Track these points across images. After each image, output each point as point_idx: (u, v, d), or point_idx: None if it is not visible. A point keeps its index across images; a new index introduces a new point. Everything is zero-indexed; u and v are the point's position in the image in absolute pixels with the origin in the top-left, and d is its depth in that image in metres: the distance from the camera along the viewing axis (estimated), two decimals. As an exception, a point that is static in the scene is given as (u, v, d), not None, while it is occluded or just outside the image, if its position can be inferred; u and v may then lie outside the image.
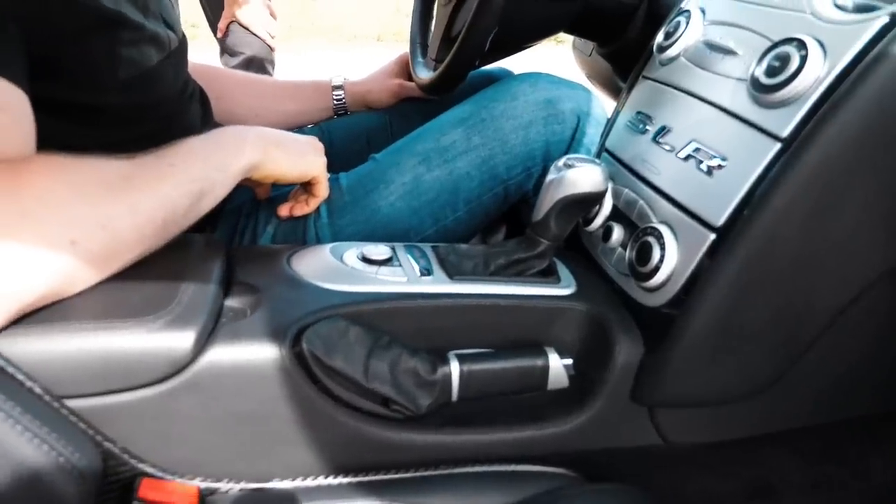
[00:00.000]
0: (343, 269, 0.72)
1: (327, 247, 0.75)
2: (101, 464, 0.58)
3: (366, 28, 6.03)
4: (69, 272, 0.57)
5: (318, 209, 0.89)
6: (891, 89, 0.57)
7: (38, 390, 0.55)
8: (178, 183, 0.63)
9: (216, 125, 0.97)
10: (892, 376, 0.75)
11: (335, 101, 1.24)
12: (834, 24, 0.62)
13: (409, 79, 1.22)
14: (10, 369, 0.54)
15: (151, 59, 0.80)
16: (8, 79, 0.59)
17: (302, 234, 0.89)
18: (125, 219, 0.59)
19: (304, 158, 0.80)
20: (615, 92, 1.27)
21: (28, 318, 0.56)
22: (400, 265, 0.73)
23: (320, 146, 0.85)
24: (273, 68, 2.03)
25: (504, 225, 1.11)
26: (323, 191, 0.85)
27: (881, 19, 0.58)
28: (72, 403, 0.57)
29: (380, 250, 0.74)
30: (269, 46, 1.97)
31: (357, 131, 1.22)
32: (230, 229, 0.94)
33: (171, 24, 0.89)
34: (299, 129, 1.23)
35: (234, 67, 1.91)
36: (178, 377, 0.60)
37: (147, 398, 0.59)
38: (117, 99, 0.76)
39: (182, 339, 0.59)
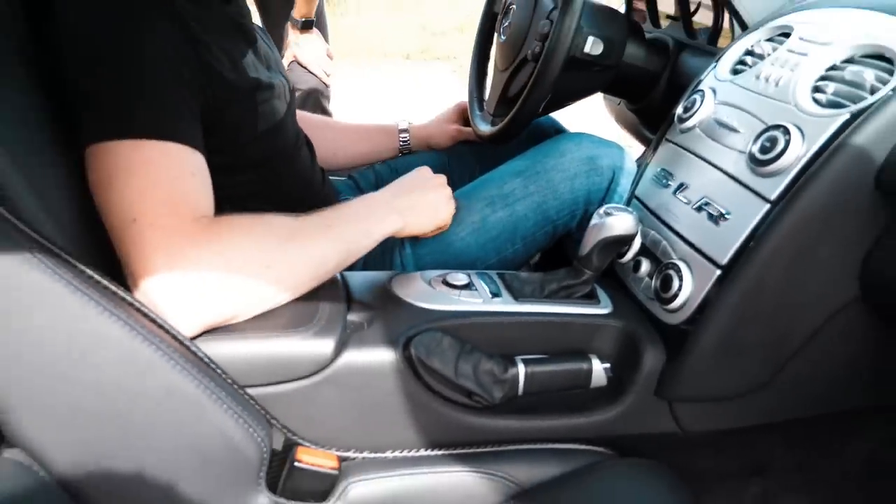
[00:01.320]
0: (433, 292, 0.93)
1: (418, 274, 0.97)
2: (271, 435, 0.80)
3: (394, 47, 6.26)
4: (247, 301, 0.78)
5: (402, 241, 1.10)
6: (848, 168, 0.78)
7: (229, 381, 0.77)
8: (333, 242, 0.83)
9: (321, 168, 1.18)
10: (861, 380, 0.96)
11: (401, 143, 1.45)
12: (810, 115, 0.83)
13: (465, 124, 1.44)
14: (212, 364, 0.76)
15: (280, 112, 1.00)
16: (195, 147, 0.80)
17: (389, 261, 1.10)
18: (287, 265, 0.79)
19: (437, 215, 1.00)
20: (638, 136, 1.48)
21: (220, 328, 0.78)
22: (476, 289, 0.95)
23: (448, 191, 1.03)
24: (328, 102, 2.25)
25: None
26: (447, 227, 1.04)
27: (844, 116, 0.79)
28: (251, 391, 0.79)
29: (459, 277, 0.96)
30: (324, 83, 2.19)
31: (420, 170, 1.43)
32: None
33: (283, 73, 1.10)
34: (370, 166, 1.45)
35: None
36: (322, 374, 0.81)
37: (300, 388, 0.81)
38: (253, 151, 0.96)
39: (324, 346, 0.80)
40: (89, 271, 0.68)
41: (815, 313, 0.87)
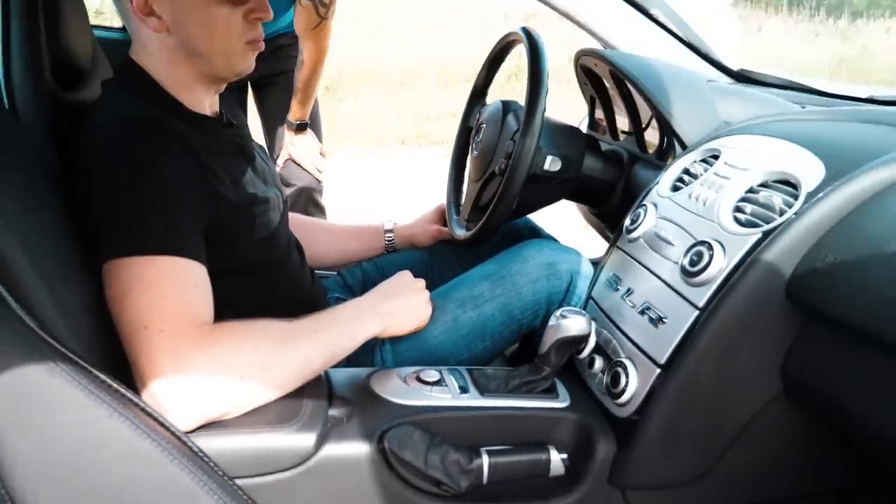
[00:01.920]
0: (407, 388, 1.04)
1: (395, 371, 1.08)
2: (257, 523, 0.89)
3: (390, 132, 6.52)
4: (241, 400, 0.89)
5: (382, 339, 1.21)
6: (762, 281, 0.90)
7: (220, 472, 0.86)
8: (320, 345, 0.94)
9: (310, 268, 1.30)
10: (793, 469, 1.05)
11: (387, 242, 1.58)
12: (731, 233, 0.96)
13: (445, 225, 1.57)
14: (205, 457, 0.86)
15: (274, 222, 1.13)
16: (199, 261, 0.92)
17: (370, 357, 1.21)
18: (279, 367, 0.90)
19: (416, 317, 1.11)
20: (603, 236, 1.62)
21: (213, 423, 0.88)
22: (446, 385, 1.05)
23: (425, 294, 1.14)
24: (321, 196, 2.40)
25: (518, 344, 1.43)
26: (424, 325, 1.14)
27: (757, 234, 0.92)
28: (239, 482, 0.88)
29: (431, 374, 1.07)
30: (317, 179, 2.34)
31: (403, 266, 1.53)
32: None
33: (278, 185, 1.23)
34: (357, 263, 1.57)
35: (288, 196, 2.26)
36: (304, 465, 0.91)
37: (284, 479, 0.91)
38: (249, 258, 1.08)
39: (306, 440, 0.90)
40: (102, 376, 0.79)
41: (744, 407, 0.97)
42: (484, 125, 1.38)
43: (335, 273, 1.56)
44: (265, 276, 1.12)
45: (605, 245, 1.58)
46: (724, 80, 1.59)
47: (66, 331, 0.81)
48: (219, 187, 1.00)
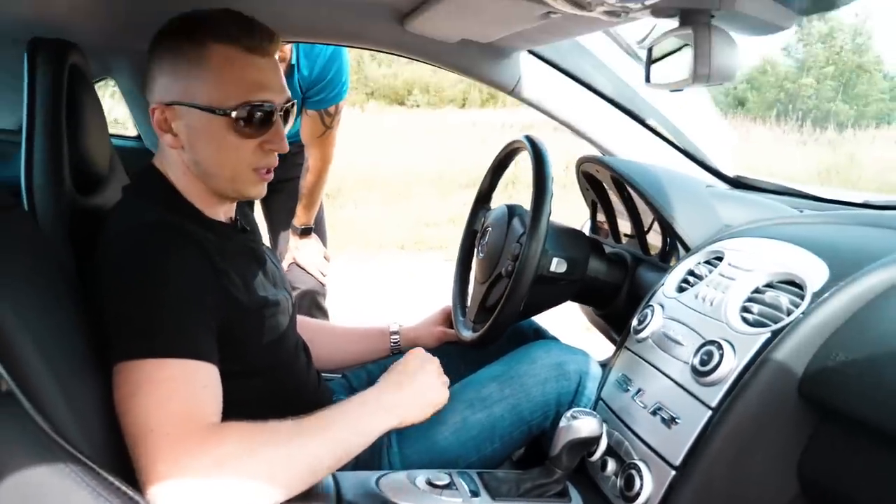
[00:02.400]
0: (416, 491, 1.02)
1: (405, 474, 1.06)
2: None
3: (390, 238, 6.63)
4: (245, 502, 0.86)
5: (390, 441, 1.19)
6: (774, 380, 0.90)
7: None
8: (329, 444, 0.92)
9: (316, 370, 1.30)
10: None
11: (392, 344, 1.58)
12: (739, 333, 0.97)
13: (450, 326, 1.57)
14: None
15: (283, 325, 1.13)
16: (211, 362, 0.92)
17: (378, 459, 1.19)
18: (285, 469, 0.87)
19: (429, 403, 1.06)
20: (608, 337, 1.62)
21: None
22: (457, 489, 1.03)
23: (436, 373, 1.10)
24: (325, 299, 2.42)
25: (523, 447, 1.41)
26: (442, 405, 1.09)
27: (766, 334, 0.93)
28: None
29: (441, 477, 1.05)
30: (321, 283, 2.37)
31: (409, 369, 1.55)
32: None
33: (287, 288, 1.25)
34: (363, 365, 1.56)
35: (293, 299, 2.28)
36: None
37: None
38: (258, 360, 1.08)
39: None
40: (111, 478, 0.77)
41: (763, 511, 0.95)
42: (490, 228, 1.42)
43: (340, 375, 1.55)
44: (273, 379, 1.12)
45: (610, 346, 1.59)
46: (722, 186, 1.65)
47: (77, 432, 0.81)
48: (231, 290, 1.01)
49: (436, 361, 1.11)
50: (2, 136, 1.71)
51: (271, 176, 1.08)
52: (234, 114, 0.98)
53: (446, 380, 1.11)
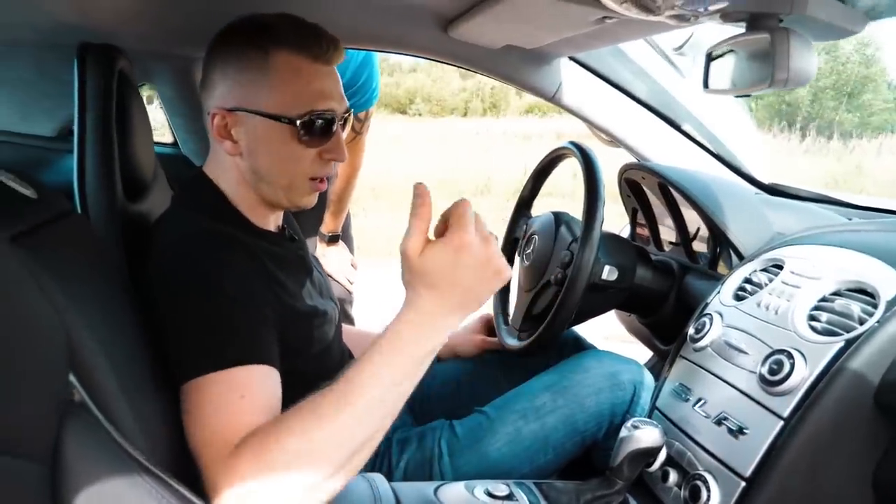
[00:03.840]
0: (476, 502, 1.00)
1: (462, 485, 1.04)
2: None
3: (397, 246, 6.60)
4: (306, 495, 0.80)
5: (440, 451, 1.17)
6: (849, 389, 0.89)
7: None
8: (370, 410, 0.79)
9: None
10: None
11: (430, 352, 1.56)
12: (809, 342, 0.95)
13: (489, 335, 1.56)
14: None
15: (330, 334, 1.12)
16: (274, 365, 0.90)
17: (429, 469, 1.17)
18: (333, 450, 0.78)
19: (487, 291, 0.83)
20: (649, 344, 1.60)
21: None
22: (517, 500, 1.01)
23: (484, 248, 0.82)
24: (351, 307, 2.40)
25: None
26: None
27: (839, 343, 0.92)
28: None
29: (500, 488, 1.03)
30: (348, 290, 2.35)
31: (448, 376, 1.53)
32: (370, 463, 1.21)
33: (333, 298, 1.23)
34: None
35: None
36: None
37: None
38: (308, 369, 1.06)
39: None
40: (182, 489, 0.76)
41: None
42: (535, 236, 1.40)
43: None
44: (319, 388, 1.10)
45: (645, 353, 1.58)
46: (760, 192, 1.63)
47: (144, 442, 0.79)
48: (284, 297, 1.00)
49: (472, 231, 0.81)
50: (40, 143, 1.70)
51: (325, 185, 1.07)
52: (298, 122, 0.97)
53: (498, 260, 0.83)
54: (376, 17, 1.34)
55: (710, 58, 1.06)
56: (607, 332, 2.07)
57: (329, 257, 2.29)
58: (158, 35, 1.36)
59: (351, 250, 2.37)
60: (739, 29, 0.99)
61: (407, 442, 1.22)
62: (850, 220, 1.37)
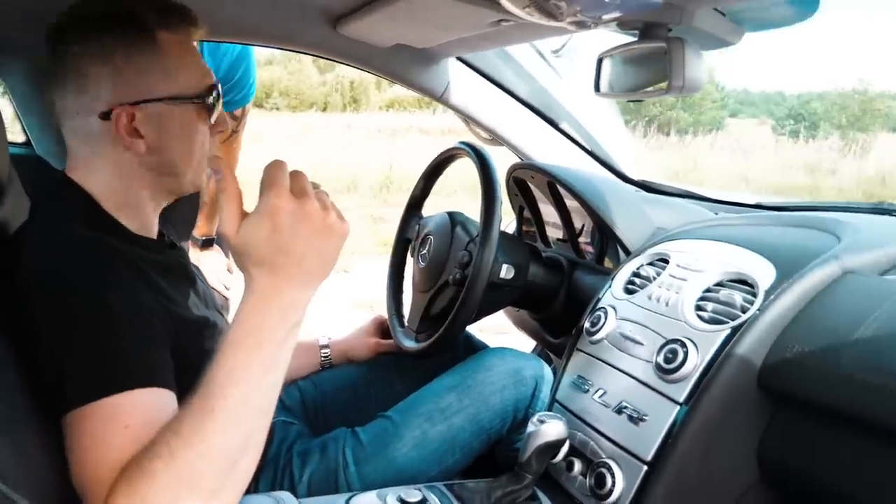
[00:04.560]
0: (390, 509, 0.99)
1: (372, 493, 1.03)
2: None
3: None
4: None
5: (346, 461, 1.15)
6: (737, 373, 0.96)
7: None
8: (236, 419, 0.71)
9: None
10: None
11: (322, 358, 1.53)
12: (699, 331, 1.02)
13: (383, 337, 1.55)
14: None
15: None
16: (169, 387, 0.83)
17: (335, 481, 1.15)
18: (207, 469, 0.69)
19: (333, 258, 0.77)
20: (539, 339, 1.66)
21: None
22: None
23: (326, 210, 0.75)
24: (228, 313, 2.30)
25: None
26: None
27: (726, 330, 0.99)
28: None
29: (413, 493, 1.03)
30: (224, 296, 2.25)
31: (343, 382, 1.50)
32: (270, 479, 1.18)
33: (219, 309, 1.17)
34: (293, 382, 1.50)
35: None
36: None
37: None
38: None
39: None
40: None
41: (727, 494, 1.01)
42: (430, 237, 1.41)
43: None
44: None
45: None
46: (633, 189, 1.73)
47: (30, 487, 0.71)
48: (172, 308, 0.93)
49: (284, 191, 0.73)
50: None
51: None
52: (207, 100, 0.95)
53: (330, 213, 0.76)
54: (262, 12, 1.30)
55: (600, 62, 1.11)
56: (483, 324, 2.12)
57: (203, 263, 2.18)
58: (6, 26, 1.23)
59: (226, 253, 2.27)
60: (630, 37, 1.04)
61: (308, 454, 1.18)
62: (716, 214, 1.48)
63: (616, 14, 0.93)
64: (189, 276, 1.08)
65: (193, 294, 1.05)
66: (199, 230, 2.14)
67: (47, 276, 0.82)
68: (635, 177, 1.82)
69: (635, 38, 1.02)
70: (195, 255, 2.15)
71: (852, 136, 19.80)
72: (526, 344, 1.86)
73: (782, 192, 11.61)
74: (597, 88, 1.12)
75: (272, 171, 0.74)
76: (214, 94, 0.97)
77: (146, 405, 0.78)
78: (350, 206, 8.38)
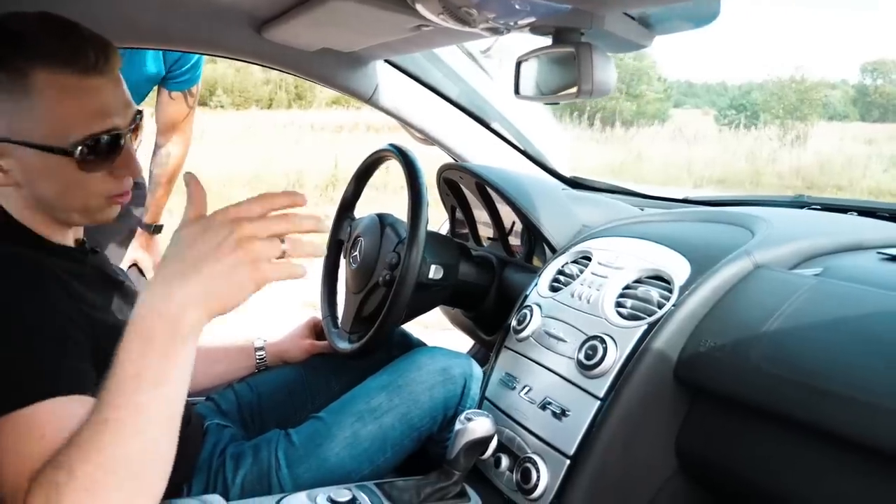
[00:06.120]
0: (319, 511, 1.00)
1: (304, 494, 1.03)
2: None
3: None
4: None
5: (278, 463, 1.16)
6: (653, 367, 0.99)
7: None
8: (128, 435, 0.69)
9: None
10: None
11: (257, 360, 1.52)
12: (618, 327, 1.05)
13: (318, 338, 1.55)
14: None
15: None
16: (89, 394, 0.82)
17: (267, 482, 1.15)
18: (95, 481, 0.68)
19: (243, 287, 0.73)
20: (474, 336, 1.68)
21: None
22: (360, 503, 1.03)
23: (240, 246, 0.72)
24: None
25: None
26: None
27: (643, 326, 1.02)
28: None
29: (342, 493, 1.04)
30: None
31: (278, 384, 1.50)
32: (203, 483, 1.17)
33: None
34: (229, 385, 1.49)
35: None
36: None
37: None
38: None
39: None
40: None
41: (647, 486, 1.04)
42: (361, 238, 1.41)
43: (204, 398, 1.47)
44: None
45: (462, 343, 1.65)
46: (566, 187, 1.76)
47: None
48: (94, 315, 0.93)
49: (249, 218, 0.74)
50: None
51: (127, 198, 0.98)
52: (77, 151, 0.87)
53: (277, 246, 0.74)
54: (186, 18, 1.28)
55: (519, 65, 1.13)
56: (427, 321, 2.13)
57: (148, 250, 2.13)
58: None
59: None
60: (546, 40, 1.07)
61: (241, 456, 1.18)
62: (642, 210, 1.52)
63: (527, 20, 0.95)
64: (112, 281, 1.06)
65: (118, 298, 1.04)
66: (151, 216, 2.10)
67: None
68: (568, 173, 1.85)
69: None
70: (139, 242, 2.10)
71: (790, 125, 20.43)
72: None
73: (724, 182, 11.93)
74: (516, 91, 1.14)
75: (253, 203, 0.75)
76: (104, 143, 0.89)
77: (63, 414, 0.77)
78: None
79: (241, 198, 0.78)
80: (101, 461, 0.69)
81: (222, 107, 22.68)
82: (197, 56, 1.94)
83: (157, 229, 2.11)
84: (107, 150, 0.90)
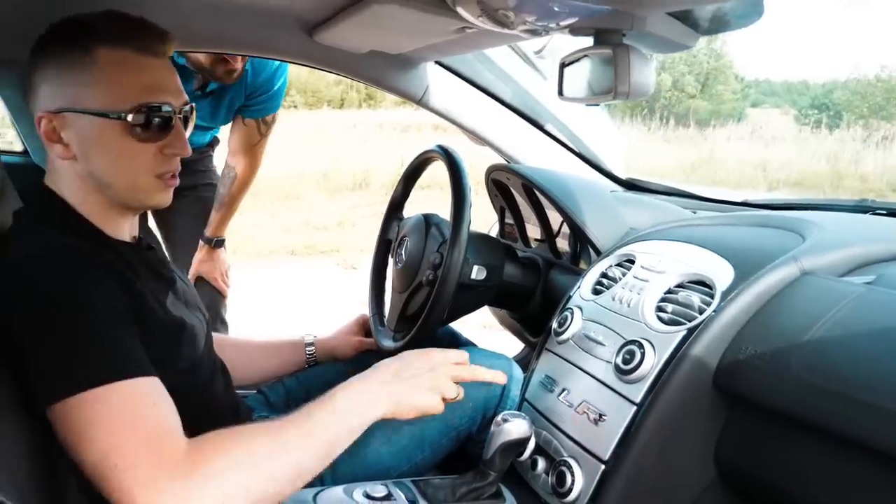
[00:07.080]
0: (355, 505, 1.02)
1: (341, 489, 1.06)
2: None
3: (279, 243, 6.49)
4: None
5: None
6: (692, 374, 0.97)
7: None
8: (315, 447, 0.88)
9: (233, 390, 1.27)
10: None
11: (308, 355, 1.56)
12: (657, 332, 1.03)
13: (366, 335, 1.57)
14: None
15: (199, 349, 1.09)
16: (153, 375, 0.87)
17: (310, 476, 1.18)
18: (271, 480, 0.84)
19: (423, 405, 0.98)
20: (521, 337, 1.68)
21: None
22: (395, 499, 1.04)
23: (450, 384, 1.00)
24: (226, 311, 2.35)
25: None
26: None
27: (682, 332, 1.00)
28: None
29: (378, 489, 1.06)
30: (224, 295, 2.30)
31: (327, 380, 1.52)
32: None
33: (201, 309, 1.20)
34: (279, 379, 1.54)
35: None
36: None
37: None
38: (173, 385, 1.03)
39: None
40: None
41: (684, 495, 1.02)
42: (407, 238, 1.43)
43: (255, 391, 1.52)
44: (188, 404, 1.06)
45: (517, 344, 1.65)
46: (617, 189, 1.74)
47: (10, 486, 0.75)
48: (147, 311, 0.97)
49: (449, 364, 1.03)
50: None
51: (177, 181, 1.04)
52: (129, 117, 0.94)
53: (455, 388, 1.01)
54: (239, 23, 1.32)
55: (563, 66, 1.12)
56: (485, 321, 2.12)
57: (210, 262, 2.23)
58: (1, 38, 1.28)
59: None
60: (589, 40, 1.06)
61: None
62: (695, 213, 1.49)
63: (566, 22, 0.94)
64: (167, 278, 1.11)
65: (172, 295, 1.09)
66: (214, 230, 2.20)
67: (19, 284, 0.87)
68: (630, 174, 1.83)
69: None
70: (203, 255, 2.20)
71: (876, 126, 19.49)
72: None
73: (801, 185, 11.49)
74: (560, 93, 1.14)
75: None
76: (155, 115, 0.96)
77: (138, 394, 0.84)
78: (361, 202, 8.45)
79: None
80: (290, 459, 0.87)
81: (295, 107, 23.19)
82: (277, 87, 2.01)
83: (220, 243, 2.20)
84: (158, 124, 0.97)
